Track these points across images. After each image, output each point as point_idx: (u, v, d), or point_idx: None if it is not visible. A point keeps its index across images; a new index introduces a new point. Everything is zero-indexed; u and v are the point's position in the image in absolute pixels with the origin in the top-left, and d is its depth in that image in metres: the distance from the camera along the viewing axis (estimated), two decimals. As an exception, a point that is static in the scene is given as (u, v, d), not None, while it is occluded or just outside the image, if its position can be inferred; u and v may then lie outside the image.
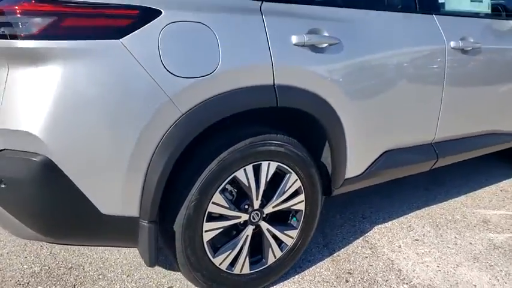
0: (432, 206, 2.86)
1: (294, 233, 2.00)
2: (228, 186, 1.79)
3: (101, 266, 2.14)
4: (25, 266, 2.13)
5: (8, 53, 1.33)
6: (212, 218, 1.73)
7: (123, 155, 1.43)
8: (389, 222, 2.64)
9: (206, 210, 1.68)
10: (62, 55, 1.32)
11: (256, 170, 1.78)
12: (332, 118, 1.90)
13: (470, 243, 2.42)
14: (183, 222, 1.63)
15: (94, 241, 1.61)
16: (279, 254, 1.97)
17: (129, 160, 1.44)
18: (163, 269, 2.11)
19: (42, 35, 1.30)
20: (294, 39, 1.72)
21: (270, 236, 1.93)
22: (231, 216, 1.78)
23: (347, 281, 2.06)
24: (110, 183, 1.45)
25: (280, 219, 1.98)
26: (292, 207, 1.96)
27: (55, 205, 1.42)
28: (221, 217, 1.76)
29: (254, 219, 1.85)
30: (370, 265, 2.20)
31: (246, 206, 1.82)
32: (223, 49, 1.54)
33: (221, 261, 1.80)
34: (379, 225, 2.60)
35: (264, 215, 1.88)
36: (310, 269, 2.16)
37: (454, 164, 2.79)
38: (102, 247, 2.27)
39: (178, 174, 1.60)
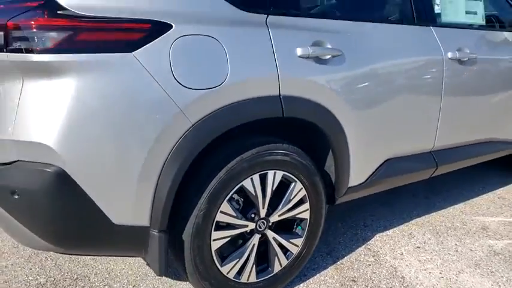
0: (432, 214, 2.90)
1: (299, 241, 2.03)
2: (235, 196, 1.81)
3: (106, 276, 2.14)
4: (30, 278, 2.13)
5: (23, 67, 1.36)
6: (220, 227, 1.76)
7: (135, 166, 1.46)
8: (391, 230, 2.67)
9: (214, 219, 1.71)
10: (75, 68, 1.35)
11: (263, 179, 1.81)
12: (335, 127, 1.94)
13: (471, 250, 2.45)
14: (192, 231, 1.65)
15: (104, 251, 1.63)
16: (284, 262, 2.00)
17: (140, 170, 1.47)
18: (170, 279, 2.12)
19: (57, 49, 1.33)
20: (299, 51, 1.77)
21: (276, 245, 1.95)
22: (238, 225, 1.80)
23: (352, 289, 2.09)
24: (121, 194, 1.47)
25: (286, 227, 2.01)
26: (297, 216, 1.99)
27: (68, 215, 1.44)
28: (228, 226, 1.79)
29: (260, 227, 1.88)
30: (374, 272, 2.22)
31: (253, 215, 1.85)
32: (232, 61, 1.58)
33: (229, 269, 1.82)
34: (381, 233, 2.63)
35: (270, 224, 1.91)
36: (315, 277, 2.18)
37: (452, 172, 2.84)
38: (107, 258, 2.28)
39: (187, 183, 1.63)
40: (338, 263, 2.31)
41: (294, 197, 1.93)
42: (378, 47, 2.08)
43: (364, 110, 2.04)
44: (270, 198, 1.85)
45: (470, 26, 2.73)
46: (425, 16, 2.36)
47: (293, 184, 1.91)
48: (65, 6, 1.35)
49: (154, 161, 1.49)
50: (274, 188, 1.85)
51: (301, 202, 1.97)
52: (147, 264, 2.20)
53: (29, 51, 1.33)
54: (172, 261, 1.85)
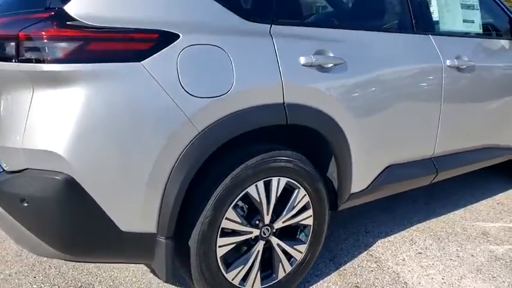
0: (432, 220, 2.93)
1: (303, 248, 2.04)
2: (239, 202, 1.83)
3: (110, 284, 2.15)
4: (34, 286, 2.13)
5: (33, 76, 1.39)
6: (225, 233, 1.77)
7: (143, 173, 1.48)
8: (392, 236, 2.69)
9: (220, 225, 1.72)
10: (85, 77, 1.38)
11: (267, 186, 1.83)
12: (338, 134, 1.97)
13: (472, 255, 2.48)
14: (198, 237, 1.67)
15: (112, 258, 1.64)
16: (288, 268, 2.01)
17: (148, 178, 1.49)
18: (174, 287, 2.13)
19: (68, 58, 1.36)
20: (302, 60, 1.80)
21: (280, 251, 1.96)
22: (243, 231, 1.82)
23: (355, 295, 2.10)
24: (129, 201, 1.49)
25: (289, 234, 2.03)
26: (301, 222, 2.01)
27: (76, 223, 1.45)
28: (233, 232, 1.80)
29: (265, 234, 1.90)
30: (377, 278, 2.24)
31: (257, 222, 1.87)
32: (237, 70, 1.61)
33: (234, 276, 1.83)
34: (382, 239, 2.65)
35: (274, 230, 1.93)
36: (318, 283, 2.19)
37: (451, 178, 2.87)
38: (111, 265, 2.28)
39: (192, 190, 1.65)
40: (341, 269, 2.32)
41: (298, 203, 1.95)
42: (379, 56, 2.11)
43: (365, 117, 2.07)
44: (274, 205, 1.87)
45: (467, 34, 2.78)
46: (424, 25, 2.40)
47: (297, 191, 1.93)
48: (75, 17, 1.38)
49: (161, 169, 1.51)
50: (278, 195, 1.87)
51: (304, 208, 1.99)
52: (153, 271, 2.21)
53: (40, 61, 1.35)
54: (177, 268, 1.86)
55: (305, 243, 2.04)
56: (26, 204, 1.42)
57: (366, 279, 2.23)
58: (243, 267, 1.86)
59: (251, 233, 1.85)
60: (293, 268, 2.03)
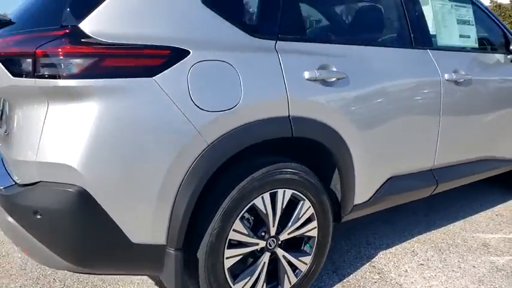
0: (432, 231, 2.96)
1: (308, 259, 2.07)
2: (246, 214, 1.86)
3: (116, 297, 2.16)
4: (40, 300, 2.13)
5: (49, 91, 1.42)
6: (232, 245, 1.80)
7: (154, 186, 1.51)
8: (394, 248, 2.72)
9: (227, 237, 1.75)
10: (99, 92, 1.42)
11: (273, 198, 1.86)
12: (341, 147, 2.01)
13: (474, 266, 2.50)
14: (206, 249, 1.69)
15: (121, 269, 1.66)
16: (294, 280, 2.03)
17: (159, 190, 1.52)
18: (179, 299, 2.14)
19: (83, 74, 1.40)
20: (307, 74, 1.85)
21: (286, 263, 1.99)
22: (249, 243, 1.84)
23: (360, 306, 2.12)
24: (140, 213, 1.52)
25: (294, 245, 2.05)
26: (305, 234, 2.03)
27: (89, 235, 1.48)
28: (240, 244, 1.83)
29: (271, 246, 1.92)
30: (380, 289, 2.26)
31: (263, 233, 1.89)
32: (245, 84, 1.66)
33: (241, 288, 1.85)
34: (384, 251, 2.68)
35: (280, 242, 1.95)
36: (323, 294, 2.21)
37: (450, 190, 2.91)
38: (115, 278, 2.29)
39: (201, 202, 1.68)
40: (344, 280, 2.34)
41: (303, 215, 1.98)
42: (380, 70, 2.17)
43: (368, 130, 2.12)
44: (280, 217, 1.90)
45: (464, 49, 2.86)
46: (422, 39, 2.47)
47: (301, 202, 1.97)
48: (89, 34, 1.42)
49: (172, 181, 1.54)
50: (284, 206, 1.90)
51: (309, 220, 2.02)
52: (158, 284, 2.22)
53: (56, 76, 1.39)
54: (184, 281, 1.87)
55: (310, 255, 2.07)
56: (39, 217, 1.44)
57: (370, 290, 2.25)
58: (249, 279, 1.88)
59: (257, 244, 1.88)
60: (298, 280, 2.05)
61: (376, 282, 2.33)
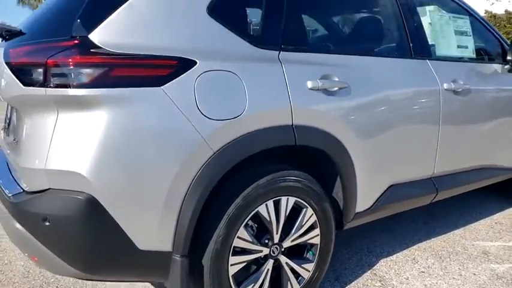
0: (433, 239, 2.98)
1: (310, 266, 2.08)
2: (250, 221, 1.88)
3: (119, 305, 2.17)
4: (43, 307, 2.14)
5: (59, 100, 1.46)
6: (236, 252, 1.82)
7: (161, 193, 1.54)
8: (394, 255, 2.74)
9: (232, 244, 1.77)
10: (108, 101, 1.45)
11: (276, 205, 1.89)
12: (343, 155, 2.04)
13: (474, 274, 2.52)
14: (211, 256, 1.71)
15: (127, 276, 1.67)
16: (297, 287, 2.05)
17: (166, 197, 1.55)
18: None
19: (92, 83, 1.43)
20: (309, 84, 1.89)
21: (289, 270, 2.01)
22: (253, 250, 1.86)
23: (362, 313, 2.13)
24: (147, 220, 1.54)
25: (297, 253, 2.07)
26: (308, 241, 2.05)
27: (97, 242, 1.50)
28: (244, 251, 1.85)
29: (274, 253, 1.94)
30: (382, 297, 2.28)
31: (267, 240, 1.92)
32: (249, 94, 1.69)
33: (245, 295, 1.87)
34: (385, 258, 2.69)
35: (283, 249, 1.97)
36: (325, 302, 2.22)
37: (449, 198, 2.94)
38: (118, 286, 2.30)
39: (206, 209, 1.70)
40: (346, 288, 2.36)
41: (306, 222, 2.01)
42: (381, 80, 2.22)
43: (369, 138, 2.15)
44: (283, 224, 1.93)
45: (462, 59, 2.91)
46: (422, 50, 2.52)
47: (304, 210, 1.99)
48: (99, 45, 1.46)
49: (178, 188, 1.57)
50: (287, 214, 1.92)
51: (312, 228, 2.04)
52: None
53: (66, 86, 1.43)
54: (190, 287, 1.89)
55: (312, 262, 2.09)
56: (47, 224, 1.46)
57: (372, 297, 2.27)
58: (253, 286, 1.89)
59: (261, 251, 1.90)
60: (301, 287, 2.06)
61: (377, 289, 2.35)
